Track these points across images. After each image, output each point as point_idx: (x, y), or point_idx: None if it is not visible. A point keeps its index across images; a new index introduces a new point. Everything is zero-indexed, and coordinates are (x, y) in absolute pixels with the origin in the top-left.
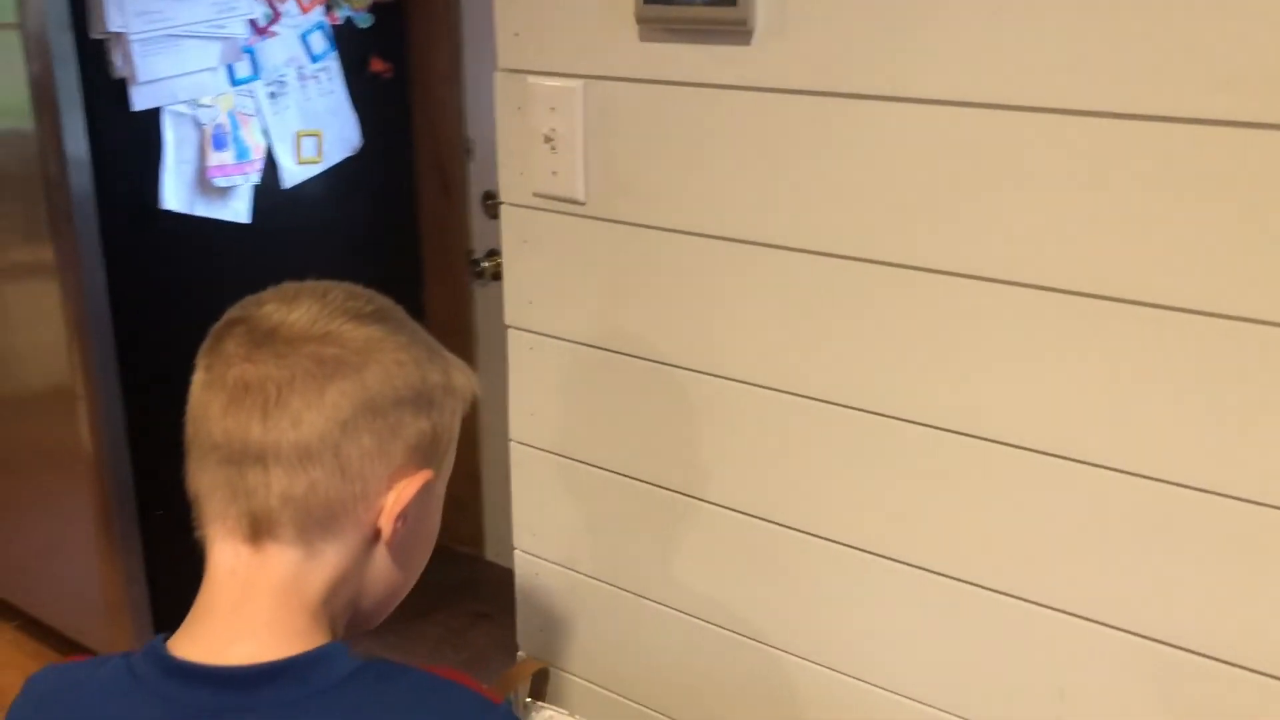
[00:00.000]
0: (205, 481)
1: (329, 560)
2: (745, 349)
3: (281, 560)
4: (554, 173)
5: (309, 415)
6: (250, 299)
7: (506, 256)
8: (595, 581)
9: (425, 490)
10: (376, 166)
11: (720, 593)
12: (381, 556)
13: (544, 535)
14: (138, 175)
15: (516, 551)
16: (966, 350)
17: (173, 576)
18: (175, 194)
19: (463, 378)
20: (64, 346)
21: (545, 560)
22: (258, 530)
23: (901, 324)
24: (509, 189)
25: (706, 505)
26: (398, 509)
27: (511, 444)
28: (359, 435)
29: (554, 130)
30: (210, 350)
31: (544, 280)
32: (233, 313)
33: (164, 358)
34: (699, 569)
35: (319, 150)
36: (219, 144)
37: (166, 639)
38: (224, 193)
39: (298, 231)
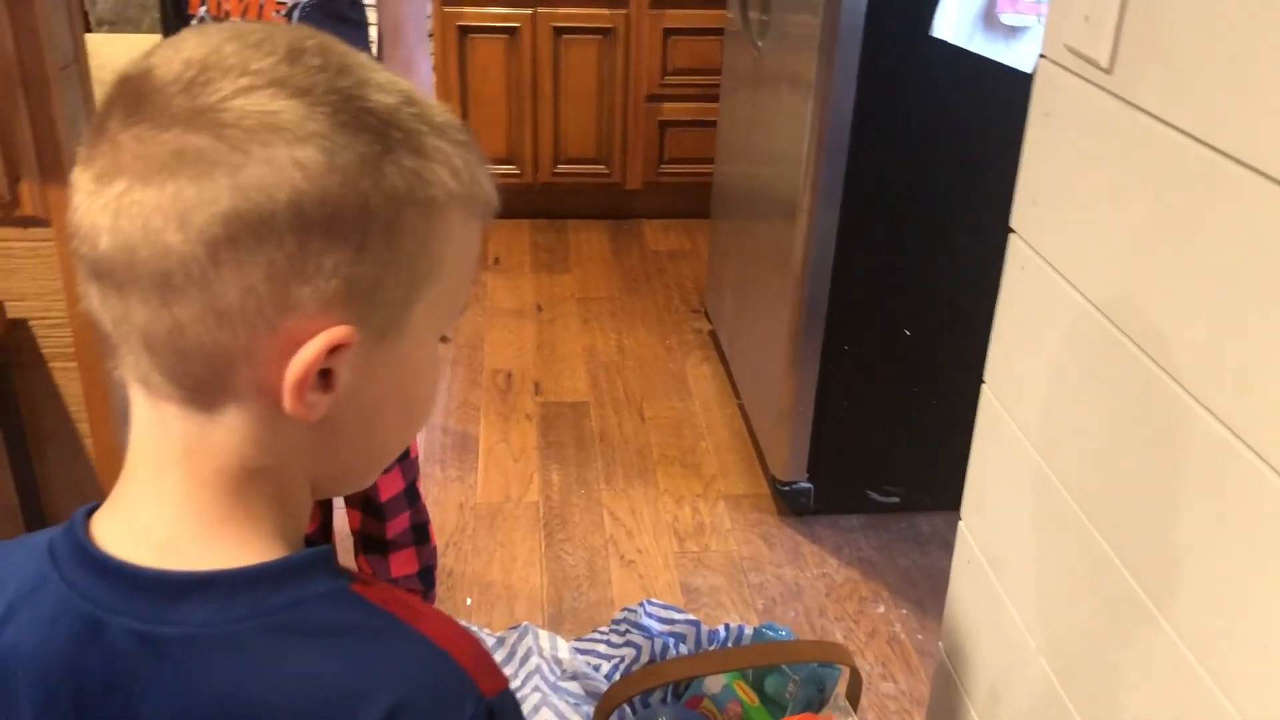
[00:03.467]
0: (89, 301)
1: (235, 429)
2: None
3: (179, 418)
4: (1086, 17)
5: (167, 231)
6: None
7: (1029, 130)
8: (1022, 631)
9: (364, 347)
10: None
11: None
12: (318, 430)
13: (990, 522)
14: None
15: (961, 522)
16: None
17: (839, 407)
18: (953, 23)
19: (448, 179)
20: (802, 157)
21: (982, 553)
22: (144, 379)
23: None
24: (1049, 32)
25: (1166, 630)
26: (296, 378)
27: (984, 387)
28: (239, 267)
29: None
30: (97, 112)
31: (1056, 177)
32: (146, 58)
33: (888, 196)
34: (1130, 700)
35: None
36: None
37: (94, 510)
38: (1011, 32)
39: None
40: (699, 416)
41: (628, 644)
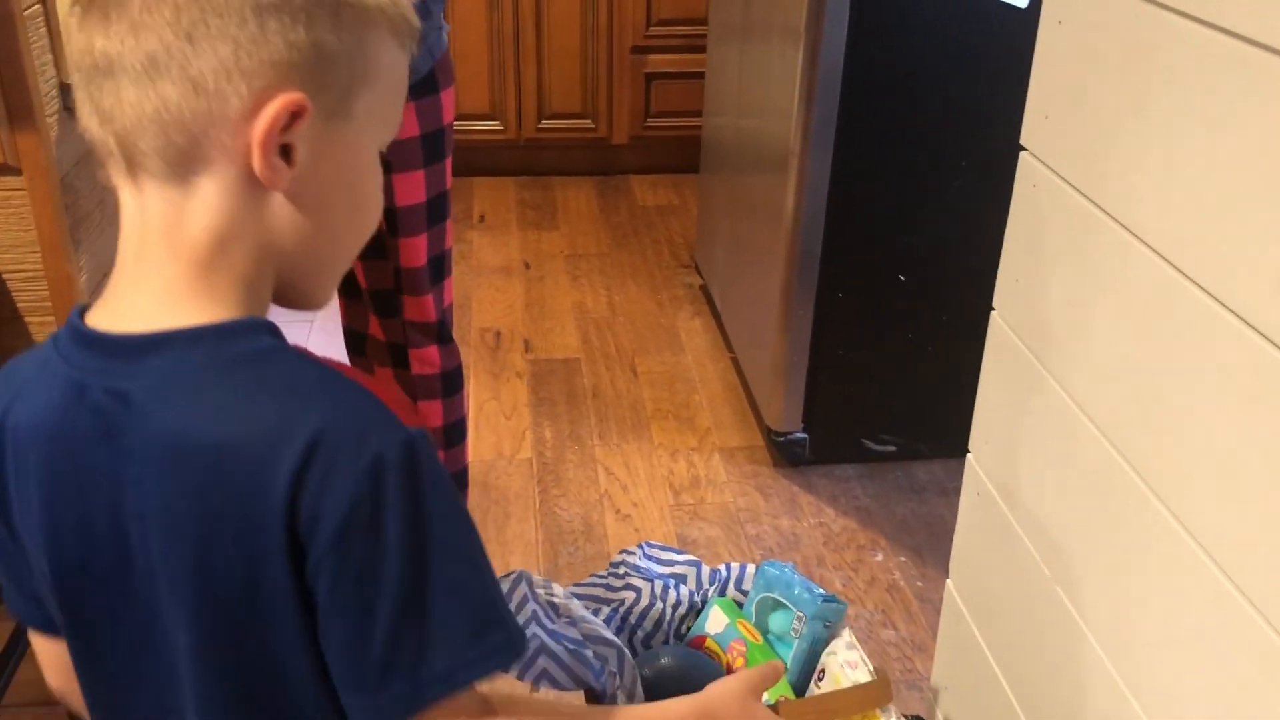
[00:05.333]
0: (82, 112)
1: (209, 199)
2: None
3: (159, 197)
4: None
5: (149, 20)
6: None
7: (1040, 41)
8: (1037, 561)
9: (316, 125)
10: None
11: (1170, 684)
12: (280, 206)
13: (999, 451)
14: None
15: (969, 455)
16: None
17: (834, 356)
18: None
19: None
20: (792, 106)
21: (991, 484)
22: (130, 161)
23: None
24: None
25: (1188, 543)
26: (262, 135)
27: (993, 314)
28: (210, 43)
29: None
30: None
31: (1070, 87)
32: None
33: (880, 143)
34: (1147, 616)
35: None
36: None
37: (88, 308)
38: None
39: None
40: (692, 370)
41: (627, 587)
